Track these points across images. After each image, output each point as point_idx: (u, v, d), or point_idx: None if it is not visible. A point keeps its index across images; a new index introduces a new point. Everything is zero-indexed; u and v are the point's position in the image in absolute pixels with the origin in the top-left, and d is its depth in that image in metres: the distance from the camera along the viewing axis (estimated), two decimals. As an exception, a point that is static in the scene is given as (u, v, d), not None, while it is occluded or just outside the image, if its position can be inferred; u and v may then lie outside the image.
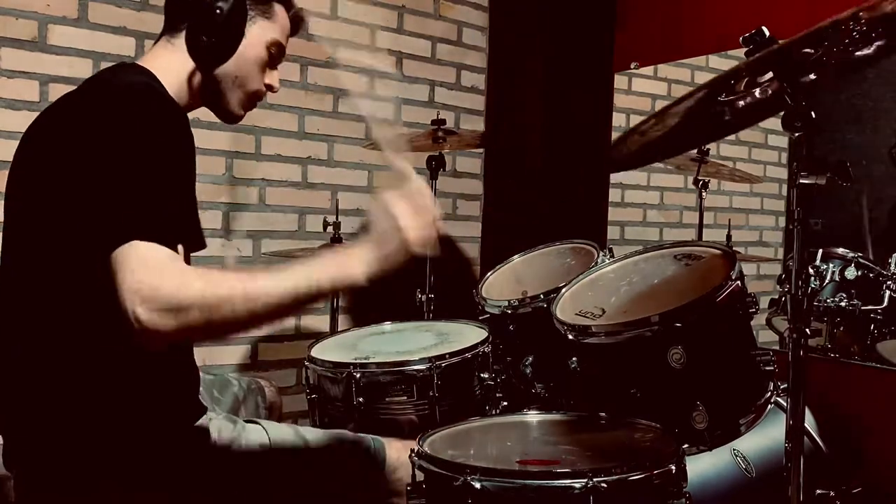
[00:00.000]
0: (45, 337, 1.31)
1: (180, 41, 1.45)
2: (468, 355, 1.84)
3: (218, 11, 1.40)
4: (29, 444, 1.35)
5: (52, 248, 1.29)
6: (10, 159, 1.46)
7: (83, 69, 2.42)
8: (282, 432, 1.54)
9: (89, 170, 1.22)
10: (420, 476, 1.36)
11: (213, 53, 1.44)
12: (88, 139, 1.25)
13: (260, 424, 1.53)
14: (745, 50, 1.30)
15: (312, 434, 1.58)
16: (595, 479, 1.22)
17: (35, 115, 1.47)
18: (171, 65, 1.46)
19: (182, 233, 1.23)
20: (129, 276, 1.12)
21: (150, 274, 1.13)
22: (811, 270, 1.87)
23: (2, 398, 1.37)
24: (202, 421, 1.42)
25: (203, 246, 1.35)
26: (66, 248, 1.28)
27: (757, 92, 1.44)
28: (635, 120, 2.85)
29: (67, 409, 1.31)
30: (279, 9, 1.55)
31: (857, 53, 1.34)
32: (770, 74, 1.28)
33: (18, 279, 1.36)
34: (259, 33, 1.51)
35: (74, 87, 1.48)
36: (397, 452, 1.58)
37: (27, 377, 1.33)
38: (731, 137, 2.63)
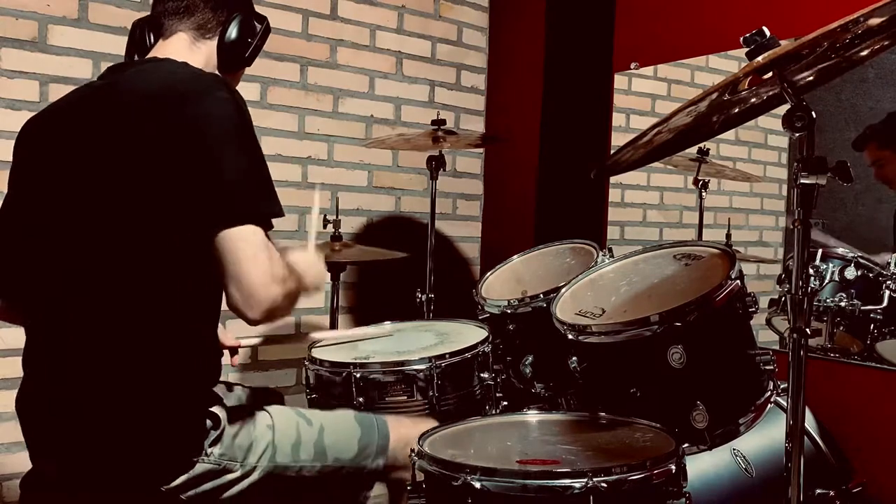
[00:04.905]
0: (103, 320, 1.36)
1: (208, 45, 1.56)
2: (468, 355, 1.84)
3: (255, 29, 1.60)
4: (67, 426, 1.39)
5: (127, 235, 1.34)
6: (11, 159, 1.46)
7: (83, 69, 2.43)
8: (285, 414, 1.58)
9: (212, 159, 1.32)
10: (420, 476, 1.36)
11: (244, 60, 1.61)
12: (204, 132, 1.33)
13: (265, 410, 1.57)
14: (745, 50, 1.30)
15: (315, 415, 1.61)
16: (595, 479, 1.22)
17: (35, 115, 1.47)
18: (198, 63, 1.53)
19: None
20: (265, 260, 1.30)
21: (276, 261, 1.33)
22: (811, 270, 1.87)
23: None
24: (216, 407, 1.45)
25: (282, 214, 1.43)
26: (152, 232, 1.34)
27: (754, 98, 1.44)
28: (635, 120, 2.88)
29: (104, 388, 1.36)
30: None
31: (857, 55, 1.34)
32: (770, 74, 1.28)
33: (81, 267, 1.37)
34: None
35: (74, 87, 1.48)
36: (406, 429, 1.62)
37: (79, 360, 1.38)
38: (731, 137, 2.62)
